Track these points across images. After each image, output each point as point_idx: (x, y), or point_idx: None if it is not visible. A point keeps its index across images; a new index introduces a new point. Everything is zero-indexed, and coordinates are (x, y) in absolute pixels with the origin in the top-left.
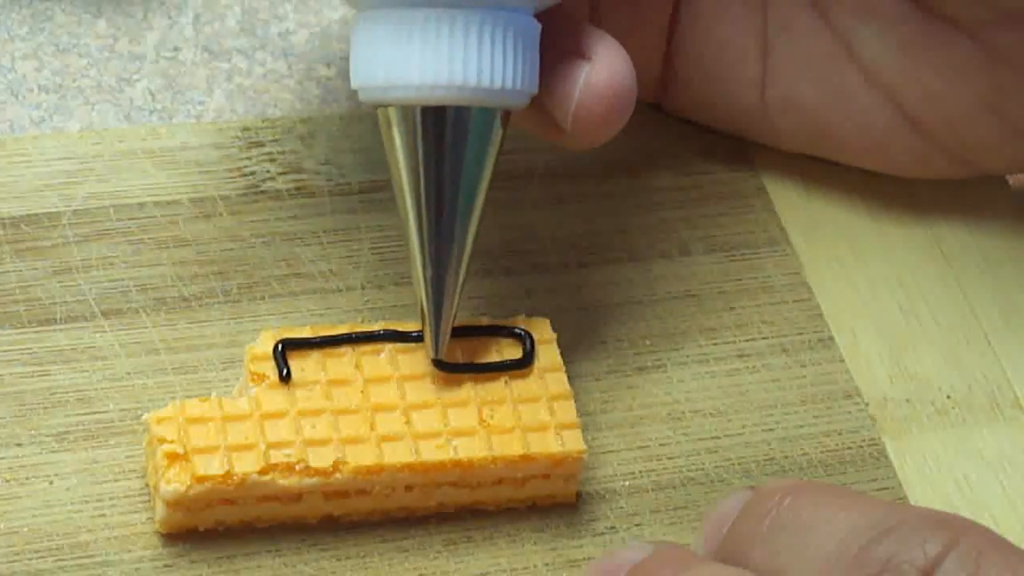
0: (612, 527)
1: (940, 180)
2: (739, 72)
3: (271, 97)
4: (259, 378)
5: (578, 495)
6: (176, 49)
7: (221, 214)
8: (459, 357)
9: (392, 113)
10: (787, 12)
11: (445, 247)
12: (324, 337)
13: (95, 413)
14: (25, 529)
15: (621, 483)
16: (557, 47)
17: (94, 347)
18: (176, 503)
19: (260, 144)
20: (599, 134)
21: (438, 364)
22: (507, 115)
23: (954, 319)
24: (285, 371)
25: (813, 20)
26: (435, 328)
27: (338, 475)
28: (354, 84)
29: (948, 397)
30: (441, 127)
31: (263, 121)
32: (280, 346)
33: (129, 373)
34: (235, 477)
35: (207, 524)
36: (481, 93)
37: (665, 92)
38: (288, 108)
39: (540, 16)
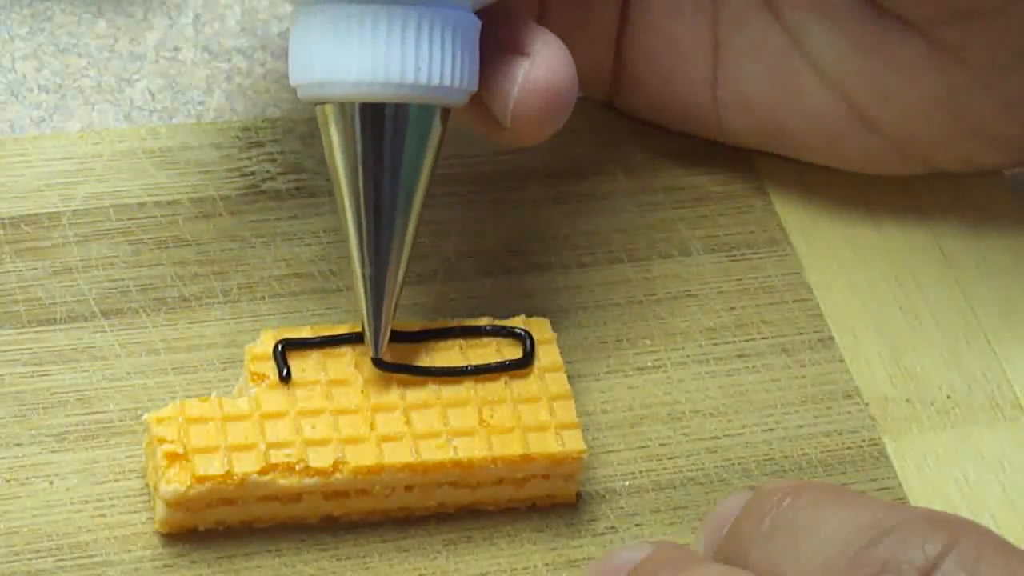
0: (612, 527)
1: (940, 180)
2: (690, 70)
3: (271, 97)
4: (259, 378)
5: (578, 495)
6: (176, 49)
7: (221, 214)
8: (459, 357)
9: (330, 110)
10: (738, 9)
11: (384, 246)
12: (324, 337)
13: (95, 413)
14: (25, 529)
15: (621, 483)
16: (497, 43)
17: (94, 347)
18: (176, 503)
19: (260, 144)
20: (538, 131)
21: (377, 362)
22: (446, 112)
23: (954, 319)
24: (285, 371)
25: (764, 17)
26: (374, 327)
27: (338, 475)
28: (292, 81)
29: (948, 397)
30: (379, 125)
31: (263, 121)
32: (280, 346)
33: (129, 373)
34: (235, 477)
35: (207, 524)
36: (419, 90)
37: (617, 91)
38: (288, 108)
39: (481, 13)
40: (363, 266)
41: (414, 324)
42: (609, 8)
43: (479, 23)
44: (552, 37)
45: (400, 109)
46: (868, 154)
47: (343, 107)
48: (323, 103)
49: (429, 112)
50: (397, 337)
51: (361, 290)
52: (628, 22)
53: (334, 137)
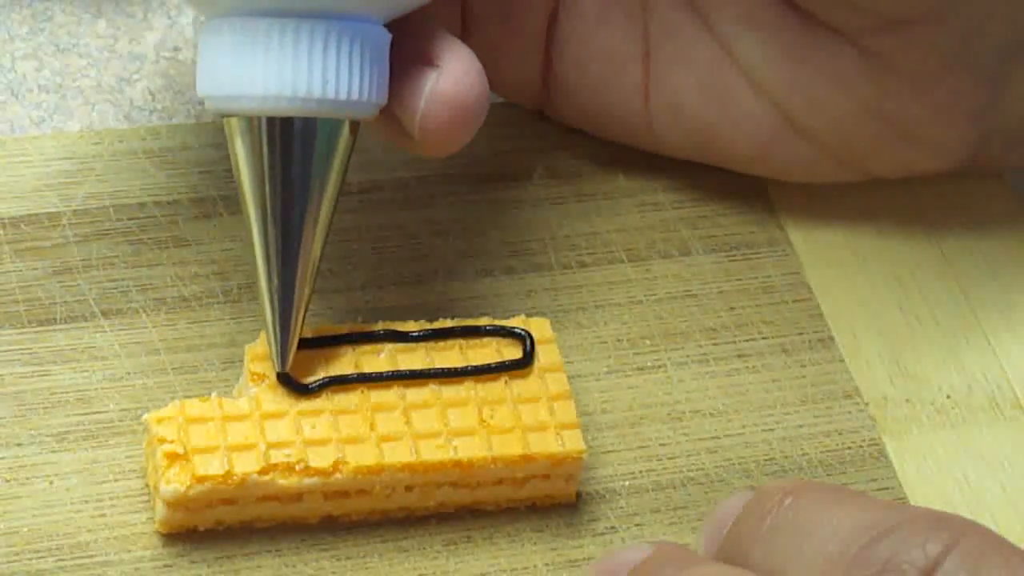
0: (612, 527)
1: (940, 180)
2: (622, 79)
3: None
4: (259, 378)
5: (578, 495)
6: (176, 49)
7: (221, 214)
8: (459, 357)
9: (236, 123)
10: (669, 18)
11: (291, 259)
12: (324, 337)
13: (95, 413)
14: (25, 529)
15: (621, 483)
16: (407, 55)
17: (94, 347)
18: (176, 503)
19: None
20: (446, 142)
21: (283, 379)
22: (355, 125)
23: (954, 319)
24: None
25: (695, 26)
26: (280, 341)
27: (338, 475)
28: (200, 93)
29: (948, 397)
30: (287, 138)
31: None
32: None
33: (129, 373)
34: (235, 477)
35: (207, 524)
36: (327, 104)
37: (548, 100)
38: None
39: (392, 24)
40: (269, 280)
41: (414, 324)
42: (536, 18)
43: (389, 36)
44: (462, 48)
45: (308, 123)
46: (802, 162)
47: (250, 121)
48: (230, 116)
49: (337, 125)
50: (397, 337)
51: (267, 304)
52: (557, 31)
53: (240, 150)
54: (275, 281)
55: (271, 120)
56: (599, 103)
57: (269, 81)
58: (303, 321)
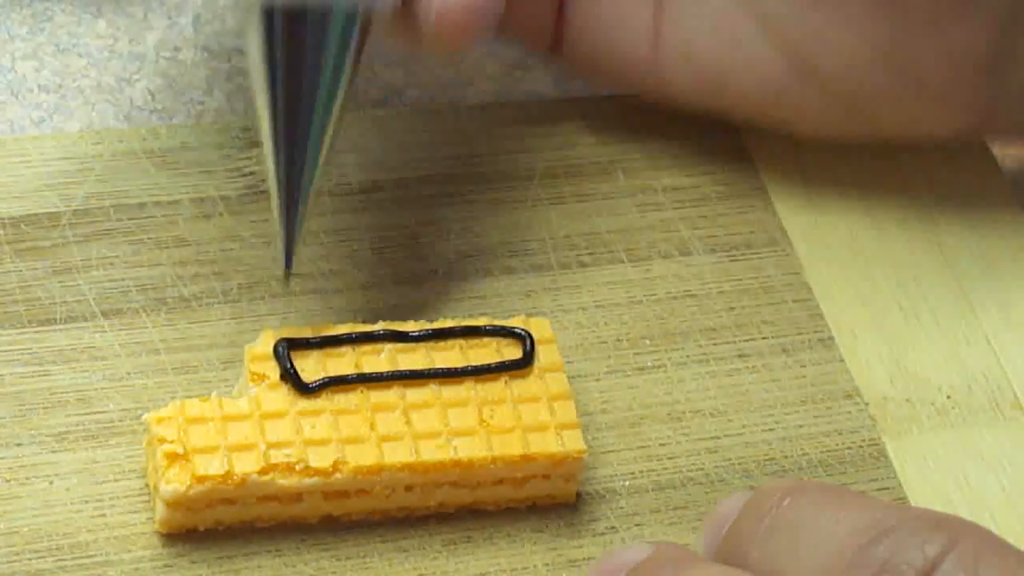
0: (612, 527)
1: (940, 180)
2: (633, 20)
3: None
4: (259, 378)
5: (578, 495)
6: (176, 49)
7: (221, 214)
8: (459, 357)
9: (251, 13)
10: None
11: (299, 150)
12: (324, 337)
13: (95, 413)
14: (25, 529)
15: (621, 483)
16: None
17: (94, 347)
18: (176, 503)
19: (260, 144)
20: (459, 38)
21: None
22: (370, 19)
23: (954, 319)
24: (291, 369)
25: None
26: (285, 235)
27: (338, 475)
28: None
29: (948, 397)
30: (300, 27)
31: None
32: (284, 346)
33: (129, 373)
34: (235, 477)
35: (207, 524)
36: None
37: (559, 43)
38: None
39: None
40: (277, 171)
41: (414, 324)
42: None
43: None
44: None
45: (322, 12)
46: (811, 110)
47: (265, 10)
48: (248, 6)
49: (352, 17)
50: (397, 337)
51: (274, 198)
52: None
53: (254, 39)
54: (282, 172)
55: (287, 7)
56: (608, 44)
57: None
58: (307, 217)
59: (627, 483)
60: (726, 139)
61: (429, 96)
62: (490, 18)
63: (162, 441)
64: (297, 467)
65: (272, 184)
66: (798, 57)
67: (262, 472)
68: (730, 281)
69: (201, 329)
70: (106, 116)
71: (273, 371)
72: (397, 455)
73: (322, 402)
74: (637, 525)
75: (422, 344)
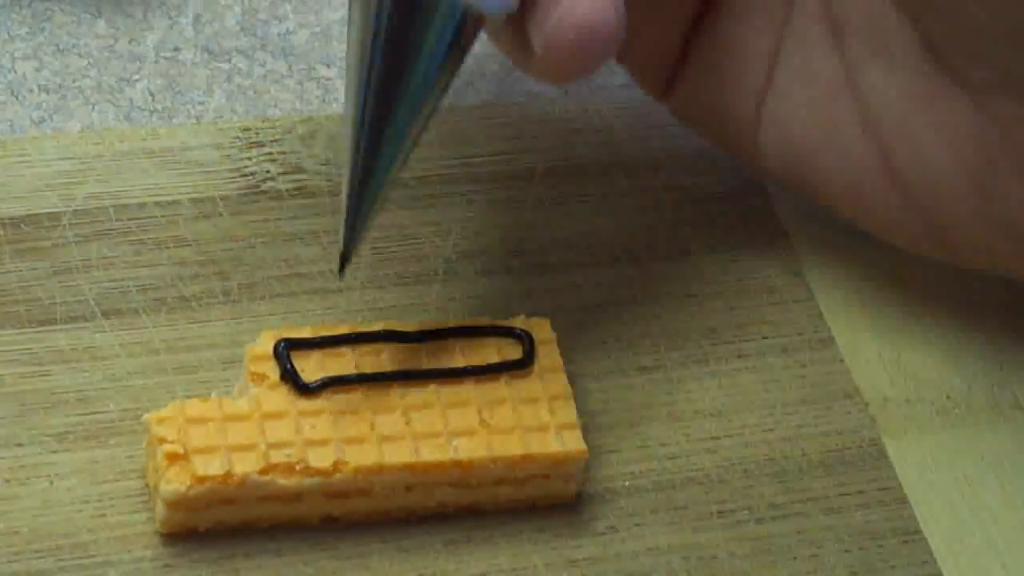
0: (612, 527)
1: None
2: (743, 79)
3: (271, 97)
4: (259, 378)
5: (578, 495)
6: (176, 49)
7: (221, 214)
8: (459, 357)
9: None
10: (805, 29)
11: (380, 140)
12: (324, 337)
13: (95, 413)
14: (25, 529)
15: (621, 483)
16: None
17: (94, 347)
18: (176, 503)
19: (260, 144)
20: (569, 66)
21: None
22: (478, 20)
23: (954, 319)
24: (291, 369)
25: (827, 44)
26: (351, 222)
27: (338, 475)
28: None
29: (948, 397)
30: (404, 11)
31: (263, 121)
32: (284, 345)
33: (129, 373)
34: (235, 477)
35: (207, 524)
36: None
37: (672, 92)
38: (288, 108)
39: None
40: (356, 155)
41: (414, 324)
42: (684, 5)
43: None
44: None
45: (428, 2)
46: (891, 216)
47: None
48: None
49: (455, 12)
50: (397, 337)
51: (346, 181)
52: (698, 23)
53: (356, 17)
54: (361, 157)
55: None
56: (715, 100)
57: None
58: (380, 209)
59: (627, 483)
60: None
61: None
62: (609, 47)
63: (162, 441)
64: (297, 467)
65: (348, 166)
66: (889, 159)
67: (262, 472)
68: (730, 281)
69: (201, 329)
70: (106, 116)
71: (273, 371)
72: (397, 455)
73: (322, 402)
74: (637, 525)
75: (422, 344)
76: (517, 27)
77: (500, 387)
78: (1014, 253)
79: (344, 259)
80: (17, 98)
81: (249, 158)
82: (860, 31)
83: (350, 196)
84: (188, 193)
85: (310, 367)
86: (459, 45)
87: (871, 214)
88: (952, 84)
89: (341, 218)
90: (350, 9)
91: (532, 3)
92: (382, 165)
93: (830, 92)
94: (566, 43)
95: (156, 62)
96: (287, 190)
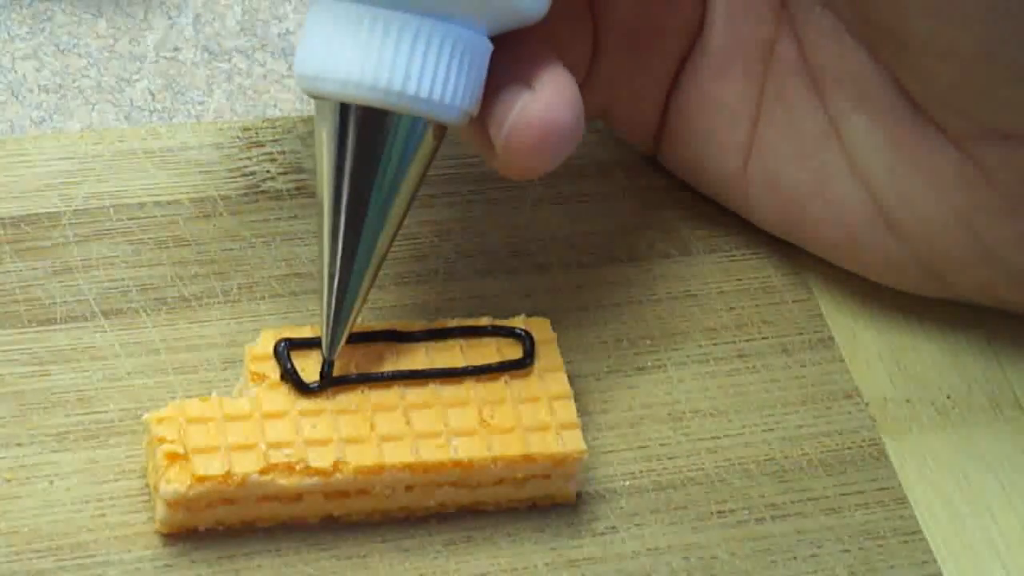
0: (612, 527)
1: None
2: (727, 135)
3: (271, 97)
4: (259, 378)
5: (578, 495)
6: (176, 49)
7: (221, 214)
8: (459, 357)
9: (322, 106)
10: (786, 83)
11: (355, 250)
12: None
13: (95, 413)
14: (25, 529)
15: (621, 483)
16: (506, 70)
17: (94, 347)
18: (176, 503)
19: (260, 144)
20: (529, 166)
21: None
22: (441, 129)
23: (954, 319)
24: (291, 369)
25: (809, 97)
26: (331, 331)
27: (338, 475)
28: (294, 70)
29: (948, 397)
30: (365, 128)
31: (263, 121)
32: (285, 345)
33: (129, 373)
34: (235, 477)
35: (207, 524)
36: (407, 100)
37: (659, 146)
38: (288, 108)
39: (498, 38)
40: (331, 268)
41: (414, 324)
42: (667, 58)
43: (490, 47)
44: (562, 74)
45: (386, 116)
46: (887, 261)
47: (333, 104)
48: (314, 97)
49: (416, 125)
50: (397, 337)
51: (325, 290)
52: (680, 79)
53: (322, 133)
54: (336, 270)
55: (346, 107)
56: (702, 156)
57: (352, 69)
58: (358, 314)
59: (627, 483)
60: None
61: None
62: (566, 144)
63: (162, 441)
64: (297, 467)
65: (324, 278)
66: (880, 204)
67: (262, 472)
68: (730, 281)
69: (201, 329)
70: (106, 116)
71: (273, 371)
72: (397, 455)
73: (322, 402)
74: (637, 525)
75: (422, 344)
76: (479, 126)
77: (500, 387)
78: (1012, 288)
79: (329, 366)
80: (17, 98)
81: (249, 158)
82: (839, 82)
83: (329, 299)
84: (188, 193)
85: (310, 367)
86: (424, 151)
87: (867, 260)
88: (935, 132)
89: (321, 325)
90: (316, 130)
91: (490, 105)
92: (355, 270)
93: (815, 142)
94: (524, 143)
95: (156, 62)
96: (287, 190)
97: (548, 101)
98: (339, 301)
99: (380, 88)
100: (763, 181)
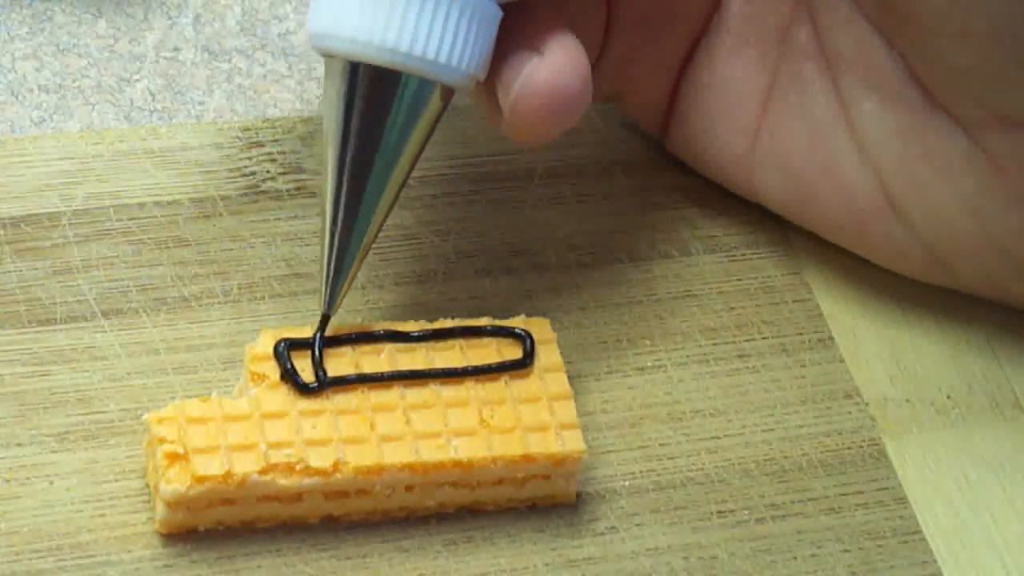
0: (612, 527)
1: None
2: (737, 117)
3: (271, 97)
4: (259, 378)
5: (578, 495)
6: (176, 49)
7: (221, 214)
8: (459, 357)
9: (331, 63)
10: (799, 67)
11: (356, 209)
12: (324, 337)
13: (95, 413)
14: (25, 529)
15: (621, 483)
16: (515, 36)
17: (94, 347)
18: (176, 503)
19: (260, 144)
20: (536, 130)
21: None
22: (448, 92)
23: (954, 319)
24: (291, 369)
25: (822, 81)
26: (330, 282)
27: (338, 475)
28: (308, 27)
29: (948, 397)
30: (371, 87)
31: (263, 121)
32: (285, 345)
33: (129, 373)
34: (235, 477)
35: (207, 524)
36: (413, 61)
37: (667, 128)
38: (288, 108)
39: (509, 6)
40: (333, 222)
41: (414, 324)
42: (679, 38)
43: (500, 13)
44: (570, 40)
45: (395, 77)
46: (893, 245)
47: (343, 63)
48: (325, 54)
49: (423, 86)
50: (397, 337)
51: (325, 244)
52: (692, 59)
53: (330, 90)
54: (338, 226)
55: (357, 66)
56: (708, 139)
57: (360, 28)
58: (357, 270)
59: (627, 483)
60: None
61: None
62: (573, 110)
63: (162, 441)
64: (297, 467)
65: (325, 232)
66: (888, 189)
67: (262, 472)
68: (730, 281)
69: (201, 329)
70: (106, 116)
71: (273, 371)
72: (397, 455)
73: (322, 402)
74: (637, 525)
75: (422, 344)
76: (488, 90)
77: (500, 387)
78: (1015, 278)
79: (326, 318)
80: (17, 98)
81: (249, 158)
82: (852, 67)
83: (329, 259)
84: (188, 193)
85: (310, 367)
86: (429, 113)
87: (874, 244)
88: (944, 117)
89: (321, 281)
90: (325, 88)
91: (498, 70)
92: (358, 230)
93: (826, 127)
94: (531, 107)
95: (156, 62)
96: (287, 190)
97: (556, 66)
98: (339, 257)
99: (388, 48)
100: (770, 165)
